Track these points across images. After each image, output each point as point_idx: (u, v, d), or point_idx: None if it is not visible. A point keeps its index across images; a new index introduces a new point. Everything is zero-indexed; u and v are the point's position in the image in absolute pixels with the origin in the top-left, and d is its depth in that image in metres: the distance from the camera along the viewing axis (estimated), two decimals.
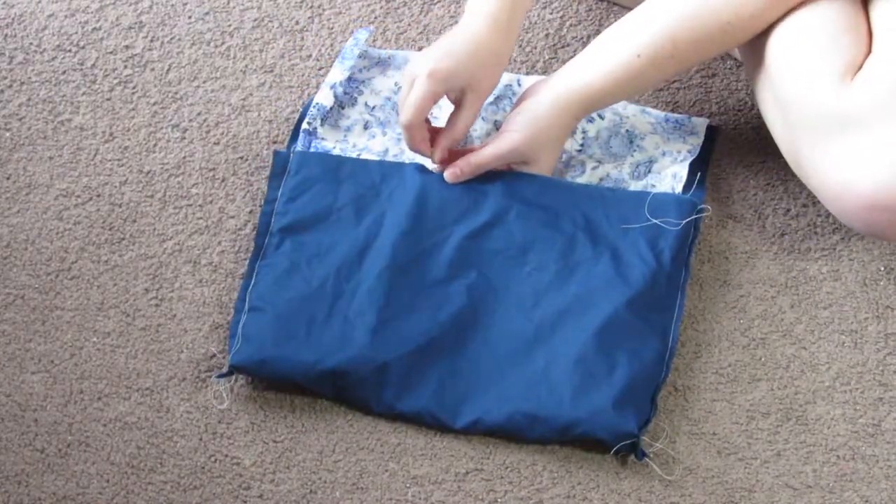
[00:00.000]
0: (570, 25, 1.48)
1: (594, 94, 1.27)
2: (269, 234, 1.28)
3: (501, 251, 1.27)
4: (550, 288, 1.25)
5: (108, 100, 1.40)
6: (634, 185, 1.33)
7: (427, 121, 1.29)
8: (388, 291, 1.24)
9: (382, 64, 1.41)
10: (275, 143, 1.37)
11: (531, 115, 1.27)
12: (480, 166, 1.29)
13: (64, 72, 1.42)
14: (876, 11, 1.23)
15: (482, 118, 1.37)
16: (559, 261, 1.27)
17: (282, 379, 1.21)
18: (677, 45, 1.24)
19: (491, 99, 1.39)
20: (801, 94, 1.20)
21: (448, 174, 1.29)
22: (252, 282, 1.25)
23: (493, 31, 1.26)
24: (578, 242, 1.27)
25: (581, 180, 1.33)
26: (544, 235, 1.28)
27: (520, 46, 1.45)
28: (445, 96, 1.28)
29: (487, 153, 1.28)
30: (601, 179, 1.34)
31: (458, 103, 1.28)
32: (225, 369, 1.20)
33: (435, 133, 1.30)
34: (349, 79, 1.39)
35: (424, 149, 1.29)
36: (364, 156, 1.34)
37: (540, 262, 1.27)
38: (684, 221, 1.27)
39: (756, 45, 1.26)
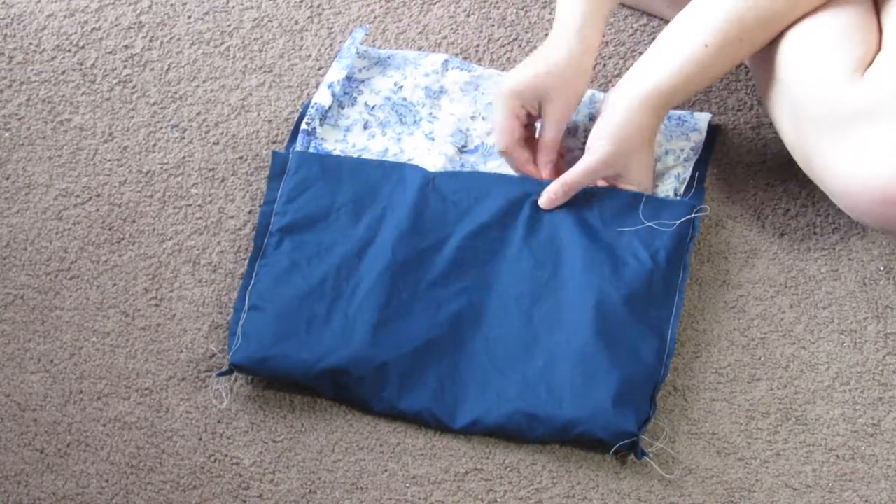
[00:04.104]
0: None
1: (667, 91, 1.26)
2: (268, 234, 1.28)
3: (499, 252, 1.27)
4: (548, 288, 1.25)
5: (107, 100, 1.40)
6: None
7: (530, 137, 1.31)
8: (388, 291, 1.24)
9: (382, 63, 1.41)
10: (274, 143, 1.37)
11: (611, 125, 1.26)
12: (572, 186, 1.28)
13: (63, 72, 1.42)
14: (887, 9, 1.23)
15: (482, 118, 1.37)
16: (556, 261, 1.27)
17: (282, 377, 1.21)
18: (745, 26, 1.23)
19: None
20: (811, 89, 1.20)
21: (542, 201, 1.29)
22: (251, 281, 1.25)
23: (574, 44, 1.27)
24: (575, 243, 1.27)
25: None
26: (541, 236, 1.28)
27: (519, 46, 1.45)
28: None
29: (576, 172, 1.28)
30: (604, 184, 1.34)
31: (542, 116, 1.30)
32: (225, 368, 1.20)
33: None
34: (349, 78, 1.39)
35: (531, 170, 1.31)
36: (364, 156, 1.34)
37: (537, 262, 1.27)
38: (678, 222, 1.27)
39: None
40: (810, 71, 1.20)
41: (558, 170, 1.31)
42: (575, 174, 1.28)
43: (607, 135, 1.26)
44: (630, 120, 1.26)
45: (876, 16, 1.24)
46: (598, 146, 1.26)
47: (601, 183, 1.31)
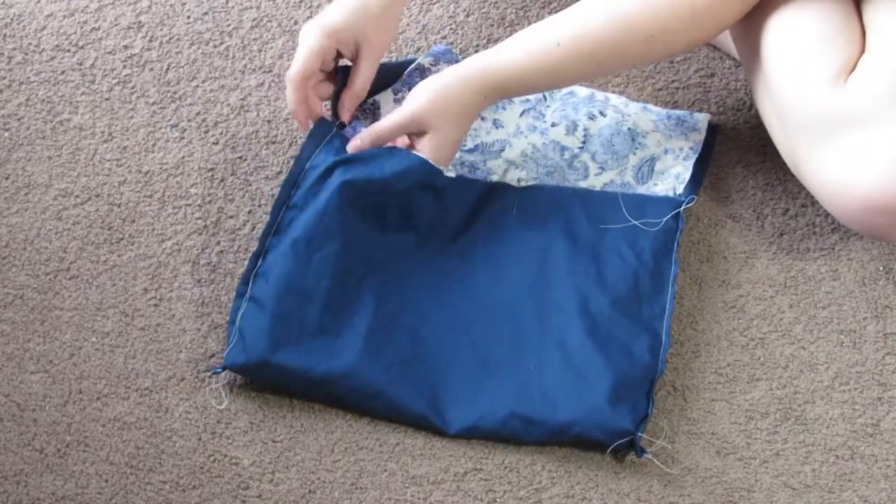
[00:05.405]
0: None
1: (508, 76, 1.25)
2: (284, 208, 1.26)
3: (484, 258, 1.27)
4: (533, 291, 1.25)
5: (106, 100, 1.40)
6: (640, 189, 1.33)
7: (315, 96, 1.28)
8: (378, 298, 1.23)
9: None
10: (273, 143, 1.37)
11: (439, 84, 1.25)
12: (381, 135, 1.26)
13: (63, 72, 1.42)
14: (868, 10, 1.23)
15: (482, 117, 1.37)
16: (541, 263, 1.27)
17: (273, 384, 1.21)
18: (599, 44, 1.23)
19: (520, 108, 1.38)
20: (796, 96, 1.20)
21: (350, 146, 1.27)
22: (259, 263, 1.23)
23: None
24: (558, 244, 1.28)
25: (584, 185, 1.33)
26: (525, 239, 1.28)
27: None
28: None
29: (387, 122, 1.26)
30: (605, 185, 1.34)
31: (354, 59, 1.27)
32: (220, 367, 1.20)
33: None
34: None
35: (301, 113, 1.27)
36: None
37: (522, 265, 1.27)
38: (662, 220, 1.27)
39: (752, 47, 1.26)
40: (794, 79, 1.20)
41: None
42: (385, 125, 1.26)
43: (429, 91, 1.24)
44: (460, 87, 1.24)
45: (858, 17, 1.23)
46: (416, 100, 1.25)
47: (402, 141, 1.28)
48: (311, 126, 1.29)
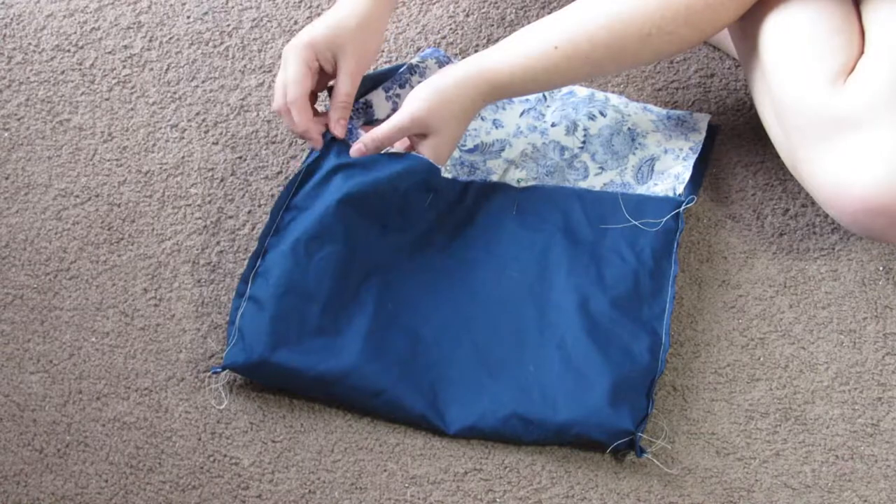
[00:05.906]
0: None
1: (506, 77, 1.25)
2: (283, 209, 1.26)
3: (484, 257, 1.27)
4: (533, 292, 1.26)
5: (106, 100, 1.40)
6: (639, 189, 1.33)
7: (315, 108, 1.27)
8: (378, 298, 1.23)
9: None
10: (273, 142, 1.37)
11: (438, 86, 1.25)
12: (383, 140, 1.26)
13: (62, 72, 1.42)
14: (867, 11, 1.23)
15: (481, 118, 1.38)
16: (540, 263, 1.27)
17: (273, 384, 1.21)
18: (595, 45, 1.23)
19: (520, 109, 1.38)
20: (795, 97, 1.20)
21: (353, 151, 1.26)
22: (258, 263, 1.23)
23: (367, 2, 1.26)
24: (558, 244, 1.28)
25: (584, 185, 1.33)
26: (525, 239, 1.28)
27: None
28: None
29: (388, 126, 1.26)
30: (604, 185, 1.34)
31: (335, 73, 1.27)
32: (220, 366, 1.20)
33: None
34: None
35: (311, 129, 1.26)
36: None
37: (521, 265, 1.27)
38: (662, 221, 1.28)
39: (751, 47, 1.26)
40: (793, 79, 1.20)
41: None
42: (386, 128, 1.26)
43: (428, 93, 1.24)
44: (458, 89, 1.25)
45: (858, 18, 1.23)
46: (415, 102, 1.25)
47: (399, 146, 1.29)
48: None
